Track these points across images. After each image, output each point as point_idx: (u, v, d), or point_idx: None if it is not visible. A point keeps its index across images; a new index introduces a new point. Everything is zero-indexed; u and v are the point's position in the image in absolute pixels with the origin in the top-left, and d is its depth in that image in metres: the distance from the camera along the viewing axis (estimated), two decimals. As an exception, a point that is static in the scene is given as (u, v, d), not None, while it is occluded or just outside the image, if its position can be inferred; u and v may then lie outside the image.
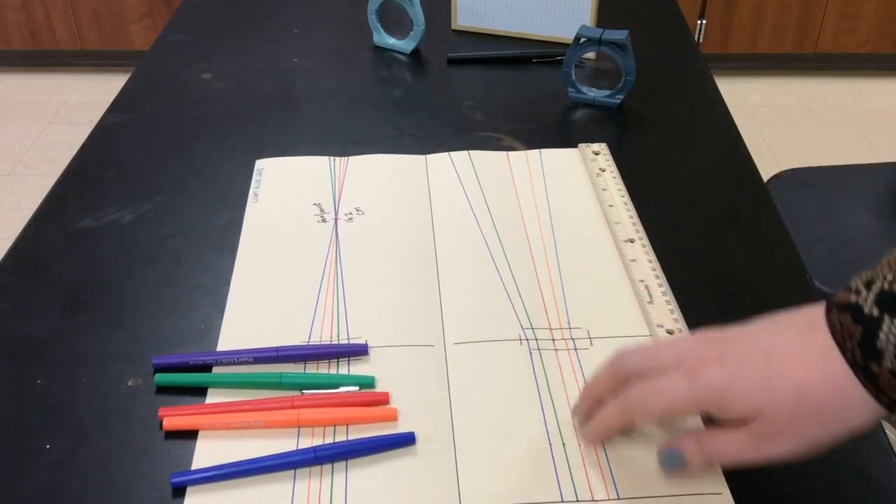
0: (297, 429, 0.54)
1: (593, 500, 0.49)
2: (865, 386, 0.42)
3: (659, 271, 0.65)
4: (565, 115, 0.89)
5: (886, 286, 0.42)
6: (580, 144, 0.81)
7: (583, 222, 0.72)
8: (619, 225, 0.70)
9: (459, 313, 0.62)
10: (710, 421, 0.49)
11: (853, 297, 0.43)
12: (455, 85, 0.95)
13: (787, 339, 0.45)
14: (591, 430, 0.51)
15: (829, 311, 0.44)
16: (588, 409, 0.52)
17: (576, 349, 0.59)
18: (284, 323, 0.61)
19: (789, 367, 0.44)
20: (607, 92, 0.89)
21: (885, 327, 0.41)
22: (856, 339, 0.42)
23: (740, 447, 0.45)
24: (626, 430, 0.52)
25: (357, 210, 0.73)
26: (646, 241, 0.69)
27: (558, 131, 0.86)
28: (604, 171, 0.77)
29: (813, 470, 0.51)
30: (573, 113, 0.89)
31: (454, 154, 0.80)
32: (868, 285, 0.43)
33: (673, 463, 0.48)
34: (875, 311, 0.41)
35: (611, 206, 0.73)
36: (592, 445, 0.52)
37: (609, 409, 0.50)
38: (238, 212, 0.73)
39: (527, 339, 0.60)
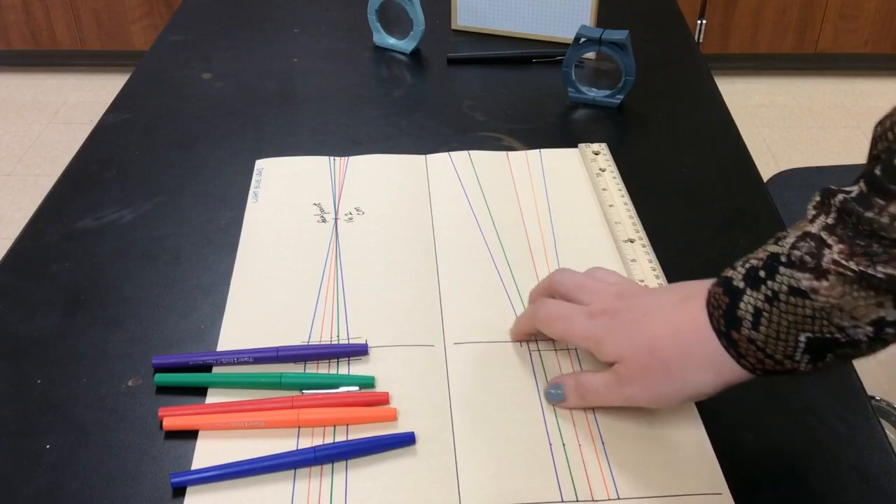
0: (297, 429, 0.54)
1: (593, 500, 0.49)
2: (728, 351, 0.46)
3: (659, 271, 0.65)
4: (565, 115, 0.89)
5: (755, 262, 0.46)
6: (580, 144, 0.81)
7: (583, 222, 0.72)
8: (619, 225, 0.70)
9: (459, 313, 0.62)
10: None
11: (730, 272, 0.47)
12: (455, 85, 0.95)
13: (667, 302, 0.50)
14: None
15: (713, 284, 0.48)
16: None
17: (576, 349, 0.59)
18: (284, 323, 0.61)
19: (653, 323, 0.50)
20: (607, 92, 0.89)
21: (745, 298, 0.45)
22: (722, 309, 0.46)
23: (605, 385, 0.52)
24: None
25: (357, 210, 0.73)
26: (646, 241, 0.69)
27: (558, 131, 0.86)
28: (604, 171, 0.77)
29: (813, 470, 0.51)
30: (573, 113, 0.89)
31: (454, 154, 0.80)
32: (745, 263, 0.47)
33: (555, 396, 0.55)
34: (741, 285, 0.46)
35: (611, 206, 0.73)
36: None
37: (524, 314, 0.58)
38: (238, 212, 0.73)
39: (527, 340, 0.60)
